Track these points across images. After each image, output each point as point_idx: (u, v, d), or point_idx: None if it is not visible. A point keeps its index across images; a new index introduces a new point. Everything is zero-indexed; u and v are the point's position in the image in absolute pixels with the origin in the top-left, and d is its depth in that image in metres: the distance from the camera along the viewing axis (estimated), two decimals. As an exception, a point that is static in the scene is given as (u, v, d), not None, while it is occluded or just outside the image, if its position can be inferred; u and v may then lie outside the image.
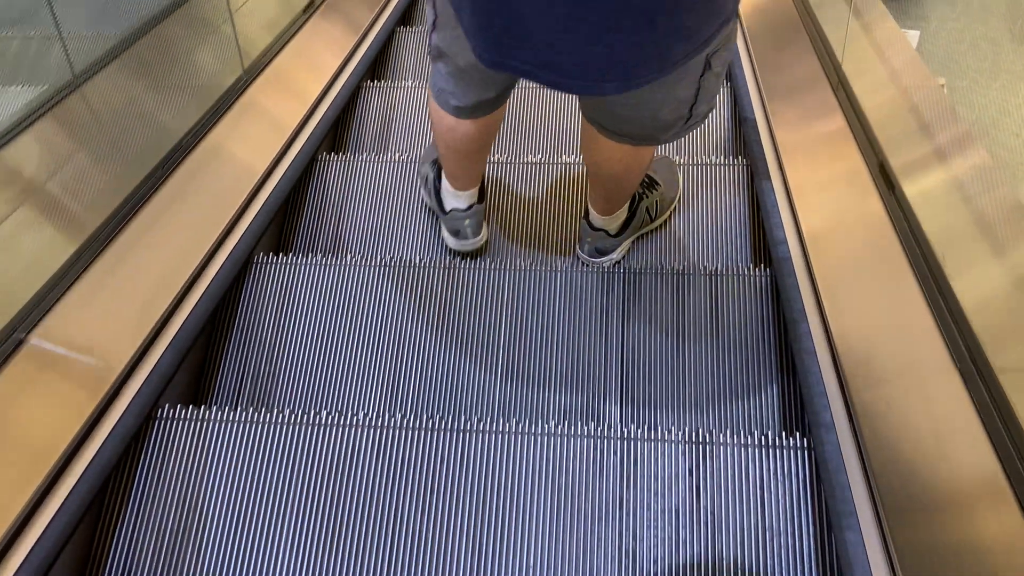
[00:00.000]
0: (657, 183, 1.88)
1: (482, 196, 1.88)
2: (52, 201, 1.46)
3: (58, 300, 1.36)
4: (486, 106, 1.56)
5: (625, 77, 1.15)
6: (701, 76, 1.25)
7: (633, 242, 1.90)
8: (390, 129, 2.45)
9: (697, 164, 2.09)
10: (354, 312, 1.70)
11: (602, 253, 1.83)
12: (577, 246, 1.88)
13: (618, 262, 1.83)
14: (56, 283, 1.36)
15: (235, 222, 1.79)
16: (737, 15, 1.19)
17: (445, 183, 1.83)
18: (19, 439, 1.24)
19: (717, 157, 2.11)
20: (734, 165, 2.09)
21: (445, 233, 1.88)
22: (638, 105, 1.33)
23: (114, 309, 1.48)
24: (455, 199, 1.82)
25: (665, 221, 1.94)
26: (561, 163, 2.12)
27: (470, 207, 1.83)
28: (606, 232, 1.79)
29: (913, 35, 1.44)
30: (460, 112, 1.56)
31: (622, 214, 1.79)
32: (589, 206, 1.80)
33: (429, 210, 2.01)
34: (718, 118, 2.36)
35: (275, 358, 1.65)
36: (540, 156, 2.14)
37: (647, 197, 1.83)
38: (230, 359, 1.65)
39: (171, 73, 1.86)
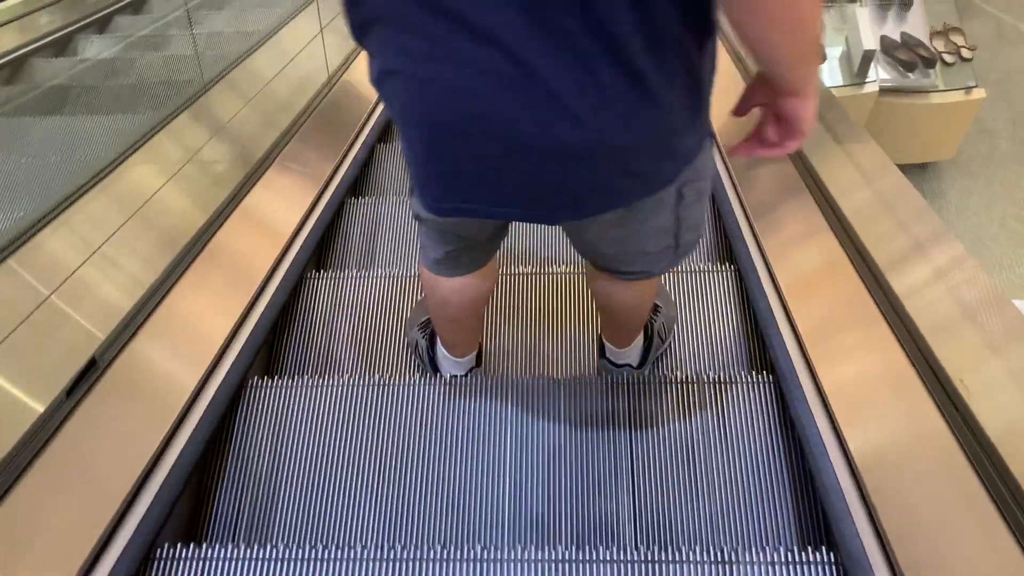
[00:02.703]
0: (659, 304, 1.87)
1: (480, 357, 1.84)
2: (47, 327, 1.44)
3: (50, 439, 1.33)
4: (464, 258, 1.48)
5: (574, 211, 1.15)
6: (677, 206, 1.23)
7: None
8: (375, 244, 2.47)
9: (685, 272, 2.12)
10: (351, 435, 1.66)
11: None
12: None
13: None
14: (41, 425, 1.33)
15: (227, 346, 1.77)
16: (704, 147, 1.16)
17: (441, 350, 1.80)
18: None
19: (704, 264, 2.15)
20: (722, 271, 2.12)
21: None
22: (621, 240, 1.30)
23: (106, 447, 1.44)
24: (454, 366, 1.79)
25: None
26: (552, 273, 2.14)
27: (469, 372, 1.80)
28: (630, 366, 1.78)
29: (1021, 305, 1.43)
30: (441, 267, 1.49)
31: (639, 342, 1.77)
32: (605, 343, 1.78)
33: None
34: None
35: (271, 487, 1.60)
36: (531, 267, 2.16)
37: (655, 320, 1.82)
38: (227, 489, 1.60)
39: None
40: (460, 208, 1.16)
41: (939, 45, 4.12)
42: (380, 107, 3.22)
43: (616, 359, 1.79)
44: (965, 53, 4.02)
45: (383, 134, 3.18)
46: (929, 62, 3.94)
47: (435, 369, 1.84)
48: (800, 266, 1.99)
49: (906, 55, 3.97)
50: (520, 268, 2.14)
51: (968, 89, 3.97)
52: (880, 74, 4.01)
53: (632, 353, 1.78)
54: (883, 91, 3.95)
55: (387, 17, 0.96)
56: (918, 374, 1.41)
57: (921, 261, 1.71)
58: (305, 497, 1.58)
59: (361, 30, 1.01)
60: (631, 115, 0.97)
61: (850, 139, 2.24)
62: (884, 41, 4.12)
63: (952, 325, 1.51)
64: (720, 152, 2.55)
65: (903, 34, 4.19)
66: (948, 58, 3.99)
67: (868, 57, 4.00)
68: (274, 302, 1.96)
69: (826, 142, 2.24)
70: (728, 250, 2.28)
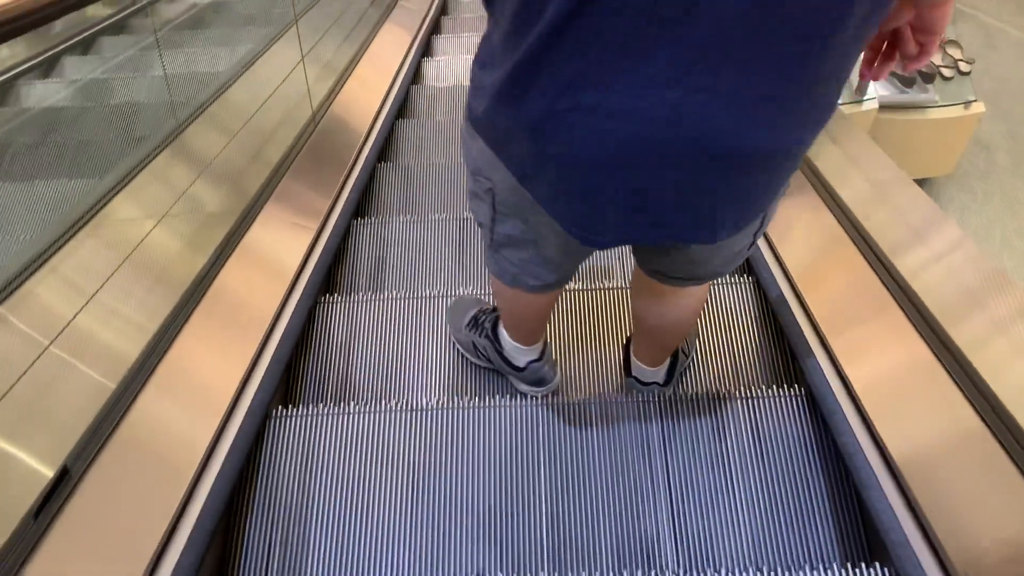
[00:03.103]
0: None
1: (545, 340, 1.85)
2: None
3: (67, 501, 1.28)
4: (562, 277, 1.49)
5: (736, 223, 1.16)
6: (775, 202, 1.23)
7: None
8: (384, 265, 2.45)
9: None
10: (380, 465, 1.64)
11: None
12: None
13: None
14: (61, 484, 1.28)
15: (247, 378, 1.73)
16: None
17: (512, 344, 1.79)
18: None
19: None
20: (743, 283, 2.12)
21: (523, 386, 1.85)
22: (724, 245, 1.28)
23: (129, 501, 1.39)
24: (528, 353, 1.79)
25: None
26: (573, 291, 2.14)
27: (542, 353, 1.80)
28: (657, 384, 1.78)
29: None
30: (542, 288, 1.48)
31: (667, 360, 1.77)
32: (635, 361, 1.78)
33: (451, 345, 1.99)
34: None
35: (302, 522, 1.57)
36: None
37: None
38: (257, 528, 1.56)
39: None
40: (629, 237, 1.19)
41: (936, 59, 4.08)
42: (377, 128, 3.21)
43: (645, 378, 1.78)
44: (963, 67, 3.98)
45: (382, 154, 3.18)
46: (927, 77, 3.92)
47: (507, 362, 1.83)
48: (818, 271, 2.00)
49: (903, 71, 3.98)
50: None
51: (967, 104, 3.96)
52: (877, 90, 4.00)
53: (661, 371, 1.77)
54: (882, 107, 3.94)
55: (582, 52, 0.93)
56: (943, 366, 1.42)
57: (930, 255, 1.73)
58: (336, 531, 1.56)
59: (534, 71, 0.97)
60: (817, 114, 1.01)
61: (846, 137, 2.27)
62: (879, 56, 4.08)
63: (972, 313, 1.53)
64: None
65: (899, 48, 4.17)
66: (946, 72, 3.96)
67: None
68: (290, 330, 1.94)
69: (827, 144, 2.27)
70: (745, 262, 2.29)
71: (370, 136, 3.11)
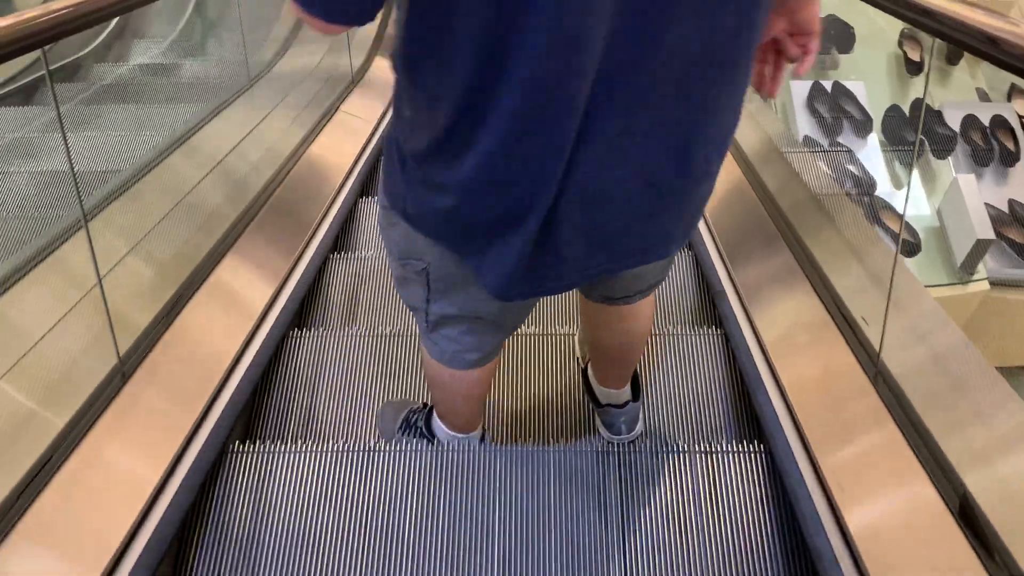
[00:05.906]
0: None
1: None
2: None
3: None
4: (499, 344, 1.55)
5: (686, 234, 1.29)
6: None
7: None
8: (357, 300, 2.53)
9: (672, 335, 2.20)
10: (336, 506, 1.69)
11: (635, 422, 1.89)
12: (605, 432, 1.90)
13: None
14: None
15: (208, 409, 1.79)
16: None
17: (449, 435, 1.80)
18: None
19: (691, 327, 2.24)
20: (709, 335, 2.21)
21: None
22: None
23: (80, 521, 1.47)
24: (469, 442, 1.82)
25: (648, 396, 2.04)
26: (528, 335, 2.23)
27: (483, 437, 1.84)
28: (632, 401, 1.84)
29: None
30: (480, 361, 1.53)
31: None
32: (605, 389, 1.83)
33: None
34: (687, 284, 2.54)
35: (252, 562, 1.62)
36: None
37: None
38: (206, 564, 1.62)
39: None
40: (590, 274, 1.24)
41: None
42: (360, 163, 3.29)
43: (621, 400, 1.83)
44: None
45: (363, 190, 3.25)
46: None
47: None
48: (781, 324, 2.09)
49: (1021, 236, 3.23)
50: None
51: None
52: (988, 263, 3.35)
53: (628, 389, 1.84)
54: (994, 284, 3.32)
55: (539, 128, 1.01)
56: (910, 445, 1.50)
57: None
58: (285, 569, 1.61)
59: (508, 152, 1.03)
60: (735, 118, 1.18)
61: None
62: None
63: (943, 396, 1.61)
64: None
65: (1013, 203, 3.40)
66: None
67: (981, 249, 3.20)
68: (256, 362, 2.01)
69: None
70: (713, 313, 2.39)
71: (353, 171, 3.16)
